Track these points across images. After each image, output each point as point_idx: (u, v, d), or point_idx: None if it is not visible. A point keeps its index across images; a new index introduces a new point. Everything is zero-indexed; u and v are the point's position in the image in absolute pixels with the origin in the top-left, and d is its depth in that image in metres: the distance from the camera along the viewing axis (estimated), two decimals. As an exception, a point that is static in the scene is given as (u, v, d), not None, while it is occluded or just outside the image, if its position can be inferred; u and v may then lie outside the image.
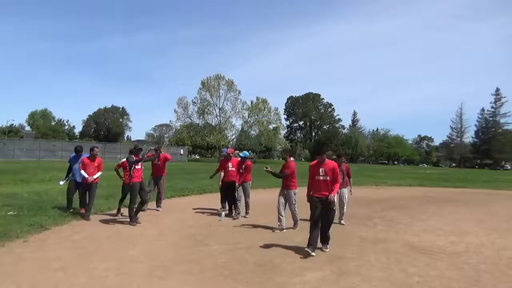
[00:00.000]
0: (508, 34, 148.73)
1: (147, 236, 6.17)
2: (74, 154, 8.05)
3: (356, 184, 18.81)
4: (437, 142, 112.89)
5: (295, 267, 4.65)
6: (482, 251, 5.73)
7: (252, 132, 61.18)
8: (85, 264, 4.54)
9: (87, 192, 7.50)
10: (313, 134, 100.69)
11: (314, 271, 4.49)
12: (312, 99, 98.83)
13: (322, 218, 5.32)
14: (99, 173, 7.61)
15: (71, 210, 7.70)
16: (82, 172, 7.39)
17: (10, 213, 7.29)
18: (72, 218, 7.22)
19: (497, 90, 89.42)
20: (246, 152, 8.45)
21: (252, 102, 58.87)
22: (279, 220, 6.81)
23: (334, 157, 7.31)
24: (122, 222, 7.24)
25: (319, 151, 5.61)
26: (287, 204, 6.91)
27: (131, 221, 7.04)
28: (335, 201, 5.43)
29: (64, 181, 8.04)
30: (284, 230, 6.75)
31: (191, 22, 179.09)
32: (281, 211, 6.79)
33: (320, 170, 5.40)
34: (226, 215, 8.05)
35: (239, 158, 8.38)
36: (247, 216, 8.13)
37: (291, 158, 7.15)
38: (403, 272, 4.56)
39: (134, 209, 7.10)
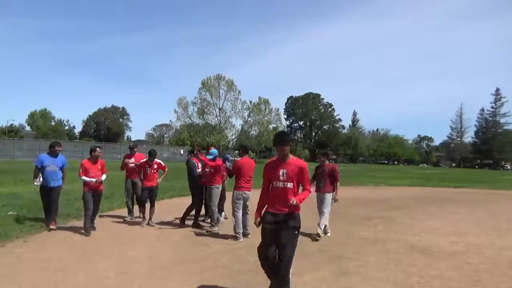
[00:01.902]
0: (508, 34, 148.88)
1: (147, 237, 6.17)
2: (45, 154, 6.68)
3: (356, 184, 18.89)
4: (437, 142, 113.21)
5: (294, 267, 4.63)
6: (482, 251, 5.73)
7: (252, 132, 61.21)
8: (85, 264, 4.54)
9: (93, 201, 6.29)
10: (313, 134, 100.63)
11: (314, 271, 4.48)
12: (312, 99, 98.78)
13: (276, 247, 3.49)
14: (104, 176, 6.57)
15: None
16: (84, 177, 6.27)
17: (10, 213, 7.30)
18: (72, 218, 7.22)
19: (497, 90, 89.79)
20: (214, 151, 7.09)
21: (250, 102, 58.91)
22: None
23: (323, 158, 6.66)
24: (122, 223, 7.24)
25: (278, 140, 3.59)
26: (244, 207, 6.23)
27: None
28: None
29: (38, 183, 6.59)
30: (247, 237, 6.08)
31: (191, 22, 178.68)
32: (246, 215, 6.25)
33: (280, 172, 3.55)
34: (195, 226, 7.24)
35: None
36: (213, 229, 6.68)
37: (246, 155, 6.35)
38: (403, 272, 4.56)
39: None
